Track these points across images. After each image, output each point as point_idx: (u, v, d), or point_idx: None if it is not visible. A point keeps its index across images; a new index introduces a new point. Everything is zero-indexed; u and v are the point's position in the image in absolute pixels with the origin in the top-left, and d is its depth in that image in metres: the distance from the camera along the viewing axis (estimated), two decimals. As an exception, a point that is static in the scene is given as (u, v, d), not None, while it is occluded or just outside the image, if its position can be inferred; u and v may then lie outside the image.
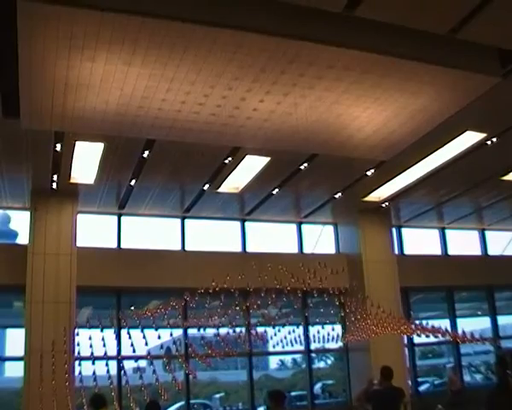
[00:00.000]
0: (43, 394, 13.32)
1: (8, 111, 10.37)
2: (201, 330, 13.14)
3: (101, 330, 12.12)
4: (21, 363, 14.09)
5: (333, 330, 14.42)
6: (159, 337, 11.82)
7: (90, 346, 11.34)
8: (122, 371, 11.98)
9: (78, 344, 11.73)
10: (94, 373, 11.26)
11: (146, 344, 11.76)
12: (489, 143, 13.02)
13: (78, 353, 11.71)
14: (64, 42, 8.26)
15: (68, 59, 8.66)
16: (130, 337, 11.64)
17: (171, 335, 12.79)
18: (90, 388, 11.51)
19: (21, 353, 14.16)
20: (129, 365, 18.30)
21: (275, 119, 10.91)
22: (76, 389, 13.42)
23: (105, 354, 11.60)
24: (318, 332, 14.32)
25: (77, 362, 12.56)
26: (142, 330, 11.77)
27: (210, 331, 13.28)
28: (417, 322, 14.20)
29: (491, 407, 7.89)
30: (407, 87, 10.08)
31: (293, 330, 13.86)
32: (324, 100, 10.33)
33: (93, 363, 11.30)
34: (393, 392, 9.46)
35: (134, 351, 11.61)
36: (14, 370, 14.97)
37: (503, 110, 11.80)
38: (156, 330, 11.86)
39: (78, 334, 12.33)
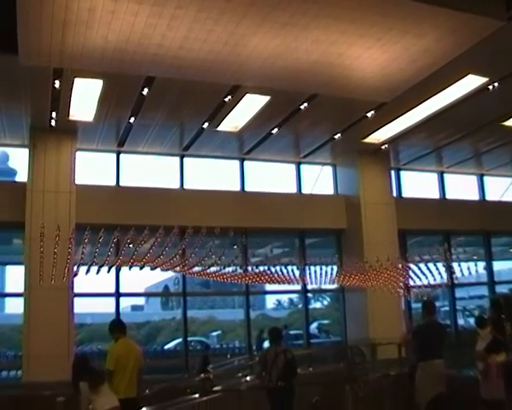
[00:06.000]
0: (43, 328, 13.55)
1: (6, 47, 10.22)
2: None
3: (101, 267, 12.26)
4: (21, 299, 14.26)
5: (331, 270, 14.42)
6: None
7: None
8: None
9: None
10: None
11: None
12: (490, 87, 12.95)
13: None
14: (63, -25, 8.14)
15: (67, -7, 8.53)
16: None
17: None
18: (87, 324, 11.67)
19: (21, 289, 14.32)
20: (127, 302, 18.63)
21: (275, 57, 10.78)
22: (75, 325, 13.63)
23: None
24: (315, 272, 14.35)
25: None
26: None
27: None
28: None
29: None
30: (409, 28, 9.95)
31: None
32: (324, 40, 10.21)
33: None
34: (438, 326, 9.43)
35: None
36: (15, 306, 15.12)
37: (507, 55, 11.65)
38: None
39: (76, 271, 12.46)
